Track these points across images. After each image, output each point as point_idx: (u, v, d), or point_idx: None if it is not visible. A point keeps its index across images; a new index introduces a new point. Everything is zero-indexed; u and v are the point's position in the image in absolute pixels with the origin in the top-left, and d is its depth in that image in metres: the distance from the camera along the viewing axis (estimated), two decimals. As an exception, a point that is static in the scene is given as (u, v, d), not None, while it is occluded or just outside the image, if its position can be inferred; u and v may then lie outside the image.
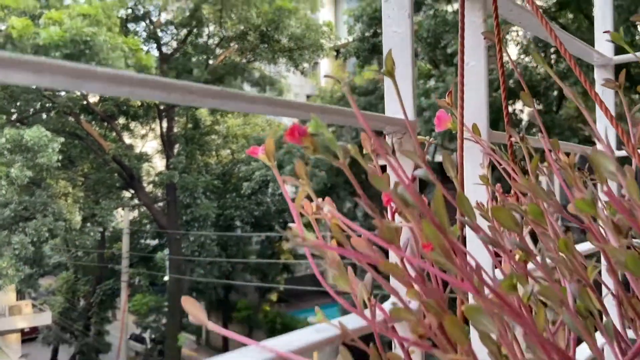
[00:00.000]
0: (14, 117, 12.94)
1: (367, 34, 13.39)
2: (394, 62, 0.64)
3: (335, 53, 16.16)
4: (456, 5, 10.83)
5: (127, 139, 16.87)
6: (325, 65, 19.44)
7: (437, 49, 11.88)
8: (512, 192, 1.01)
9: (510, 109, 12.41)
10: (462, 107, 0.94)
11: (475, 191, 1.01)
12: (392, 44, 0.84)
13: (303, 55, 14.99)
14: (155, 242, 16.10)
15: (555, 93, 11.11)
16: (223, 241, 14.84)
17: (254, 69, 15.65)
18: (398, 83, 0.80)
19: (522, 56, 10.74)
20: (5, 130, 11.41)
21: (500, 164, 0.96)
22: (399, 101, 0.70)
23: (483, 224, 0.92)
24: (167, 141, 16.21)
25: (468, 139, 1.01)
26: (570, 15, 10.31)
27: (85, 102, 14.33)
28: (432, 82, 11.87)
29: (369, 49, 13.57)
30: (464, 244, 0.79)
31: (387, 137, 0.85)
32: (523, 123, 10.40)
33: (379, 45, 13.18)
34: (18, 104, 12.70)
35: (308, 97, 19.65)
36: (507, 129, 1.00)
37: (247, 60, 15.40)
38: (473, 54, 1.02)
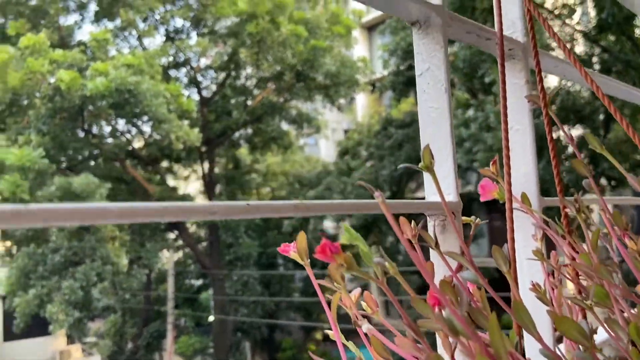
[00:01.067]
0: (64, 165, 13.48)
1: (402, 67, 13.44)
2: (433, 157, 0.58)
3: (371, 87, 16.24)
4: (491, 35, 10.76)
5: (170, 181, 17.29)
6: (362, 99, 19.55)
7: (475, 78, 11.77)
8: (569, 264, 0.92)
9: (554, 135, 12.05)
10: (509, 180, 0.86)
11: (530, 267, 0.92)
12: (429, 120, 0.78)
13: (339, 92, 15.13)
14: (199, 282, 16.23)
15: (602, 117, 10.75)
16: (266, 279, 14.80)
17: (290, 108, 15.87)
18: (437, 164, 0.74)
19: (563, 81, 10.49)
20: (55, 179, 11.87)
21: (553, 235, 0.88)
22: (438, 192, 0.64)
23: (540, 308, 0.83)
24: (209, 182, 16.50)
25: (518, 210, 0.93)
26: (612, 37, 10.04)
27: (130, 148, 14.82)
28: (470, 112, 11.71)
29: (405, 82, 13.59)
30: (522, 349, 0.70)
31: (429, 219, 0.79)
32: (568, 150, 10.06)
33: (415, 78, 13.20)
34: (68, 152, 13.24)
35: (346, 131, 19.74)
36: (560, 198, 0.92)
37: (284, 100, 15.64)
38: (517, 118, 0.95)
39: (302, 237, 0.68)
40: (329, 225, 16.99)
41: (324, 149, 19.97)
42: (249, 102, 15.48)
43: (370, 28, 19.96)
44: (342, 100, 16.19)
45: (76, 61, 11.99)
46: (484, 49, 0.91)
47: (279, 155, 18.07)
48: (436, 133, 0.77)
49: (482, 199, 0.96)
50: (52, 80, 12.00)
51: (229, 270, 14.52)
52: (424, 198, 0.80)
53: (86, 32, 14.18)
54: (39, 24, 12.76)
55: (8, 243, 13.53)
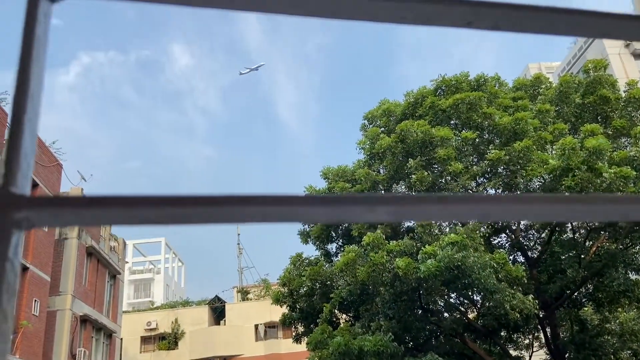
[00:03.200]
0: (410, 345, 14.30)
1: None
2: None
3: None
4: None
5: (512, 351, 16.38)
6: None
7: None
8: None
9: None
10: None
11: None
12: None
13: (696, 225, 12.64)
14: None
15: None
16: None
17: (635, 254, 13.85)
18: None
19: None
20: (405, 359, 12.61)
21: None
22: None
23: None
24: (555, 350, 15.00)
25: None
26: None
27: (466, 320, 14.91)
28: None
29: None
30: None
31: None
32: None
33: None
34: (412, 332, 14.11)
35: None
36: None
37: (624, 247, 13.85)
38: None
39: None
40: None
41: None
42: (583, 256, 14.18)
43: None
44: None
45: (407, 248, 13.34)
46: None
47: (633, 311, 15.45)
48: None
49: None
50: (390, 267, 13.47)
51: None
52: None
53: (411, 219, 15.83)
54: (375, 222, 14.91)
55: None
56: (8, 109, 16.17)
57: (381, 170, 16.07)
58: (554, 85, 16.86)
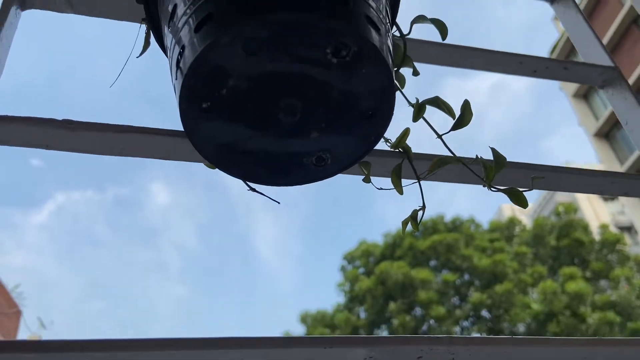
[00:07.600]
0: None
1: None
2: None
3: None
4: None
5: None
6: None
7: None
8: None
9: None
10: None
11: None
12: None
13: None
14: None
15: None
16: None
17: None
18: None
19: None
20: None
21: None
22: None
23: None
24: None
25: None
26: None
27: None
28: None
29: None
30: None
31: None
32: None
33: None
34: None
35: None
36: None
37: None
38: None
39: None
40: None
41: None
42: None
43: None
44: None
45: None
46: None
47: None
48: None
49: None
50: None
51: None
52: None
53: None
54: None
55: None
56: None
57: (362, 314, 15.53)
58: (527, 227, 17.18)
